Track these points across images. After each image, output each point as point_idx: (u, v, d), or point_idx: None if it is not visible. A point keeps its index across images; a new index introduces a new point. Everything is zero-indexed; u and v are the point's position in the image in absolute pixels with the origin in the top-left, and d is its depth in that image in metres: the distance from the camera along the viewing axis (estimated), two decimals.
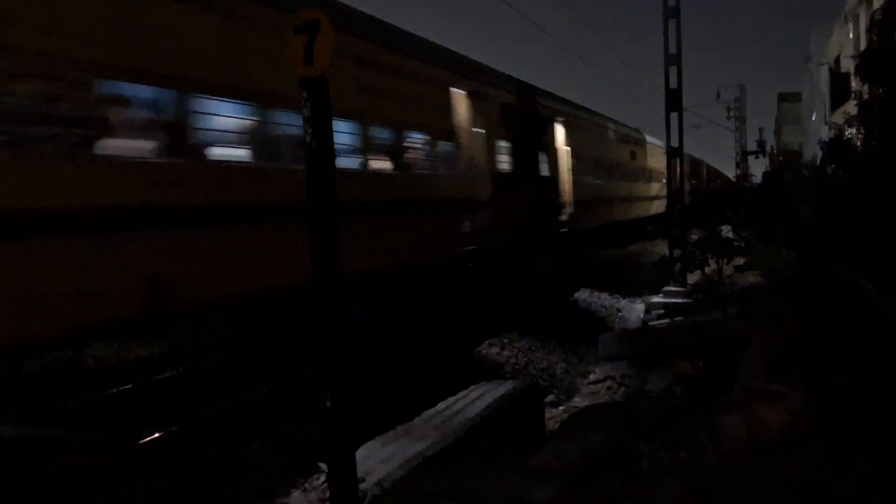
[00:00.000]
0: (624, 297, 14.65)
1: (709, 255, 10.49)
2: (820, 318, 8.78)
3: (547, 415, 7.64)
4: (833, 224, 15.79)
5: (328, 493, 4.49)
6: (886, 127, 13.76)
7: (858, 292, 9.30)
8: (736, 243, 16.91)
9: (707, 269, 11.13)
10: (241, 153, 8.13)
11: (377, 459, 5.24)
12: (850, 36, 27.48)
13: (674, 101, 16.61)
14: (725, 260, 10.69)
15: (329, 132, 4.05)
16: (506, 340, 10.51)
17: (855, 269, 10.45)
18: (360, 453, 4.92)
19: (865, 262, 10.79)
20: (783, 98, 71.94)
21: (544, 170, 17.31)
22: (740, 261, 14.09)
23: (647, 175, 31.07)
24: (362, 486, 4.52)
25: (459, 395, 6.81)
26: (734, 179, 67.08)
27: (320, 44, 3.92)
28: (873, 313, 8.08)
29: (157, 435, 6.42)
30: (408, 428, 5.91)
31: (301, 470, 5.78)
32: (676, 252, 15.41)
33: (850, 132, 17.57)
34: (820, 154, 23.36)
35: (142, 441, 6.32)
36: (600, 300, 14.50)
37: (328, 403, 3.98)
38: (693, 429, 5.53)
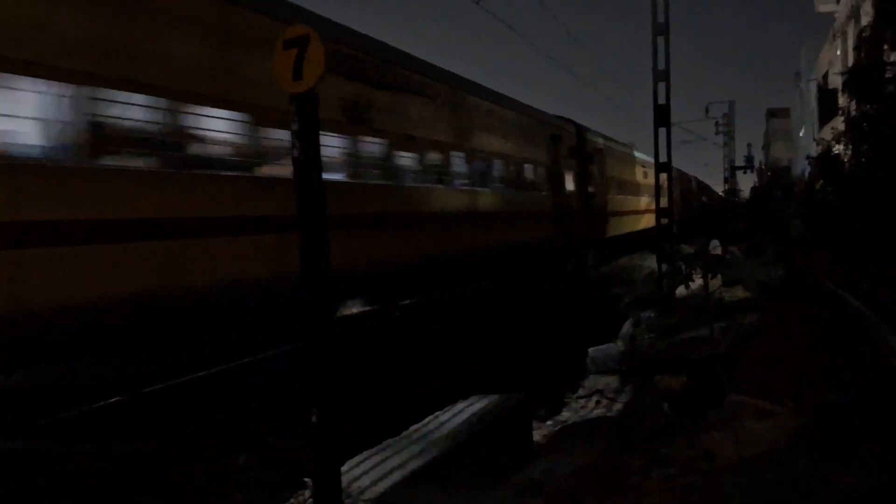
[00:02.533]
0: None
1: (695, 271, 10.49)
2: (808, 335, 8.82)
3: (535, 429, 7.61)
4: (822, 239, 15.88)
5: None
6: (874, 143, 13.89)
7: (846, 309, 9.34)
8: (727, 257, 16.96)
9: (692, 285, 11.13)
10: None
11: (363, 474, 5.20)
12: (839, 52, 27.76)
13: (662, 116, 16.69)
14: (711, 275, 10.70)
15: (317, 147, 4.04)
16: None
17: (843, 285, 10.50)
18: (346, 468, 4.89)
19: (854, 276, 10.84)
20: (772, 114, 72.59)
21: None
22: (728, 276, 14.10)
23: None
24: (347, 501, 4.48)
25: (447, 408, 6.78)
26: (722, 194, 67.43)
27: (310, 59, 3.91)
28: (861, 330, 8.12)
29: (144, 448, 6.37)
30: (394, 442, 5.87)
31: (287, 485, 5.74)
32: (664, 267, 15.45)
33: (839, 148, 17.72)
34: (808, 169, 23.51)
35: (129, 454, 6.26)
36: None
37: (314, 419, 3.96)
38: (681, 444, 5.51)
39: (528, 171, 18.01)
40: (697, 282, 11.75)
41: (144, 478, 6.03)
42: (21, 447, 6.09)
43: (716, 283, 13.59)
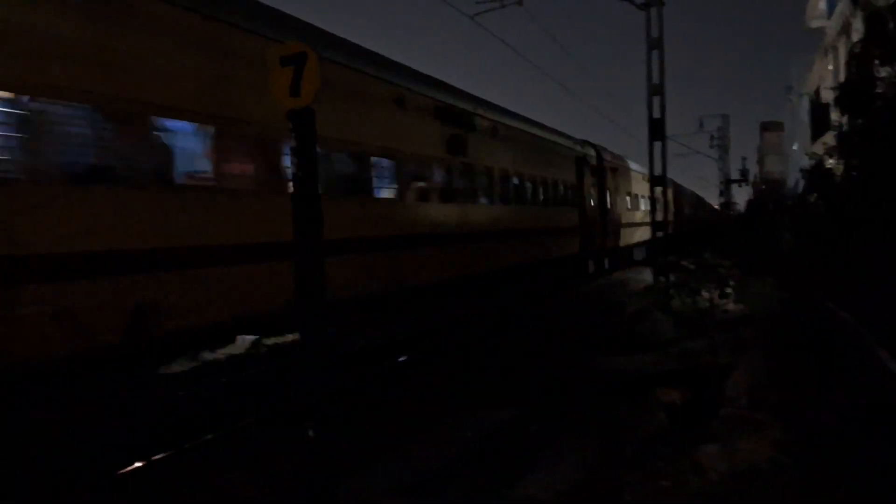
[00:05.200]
0: None
1: (691, 285, 10.55)
2: (801, 349, 8.86)
3: (533, 442, 7.61)
4: (815, 253, 15.94)
5: None
6: (866, 157, 13.98)
7: (838, 323, 9.39)
8: (721, 271, 16.97)
9: (689, 298, 11.17)
10: None
11: (360, 489, 5.22)
12: (830, 67, 27.97)
13: (657, 130, 16.80)
14: (707, 289, 10.75)
15: (314, 162, 4.09)
16: None
17: (834, 299, 10.55)
18: (343, 483, 4.90)
19: (845, 290, 10.90)
20: (765, 127, 72.95)
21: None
22: (723, 289, 14.15)
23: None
24: None
25: (443, 422, 6.80)
26: (718, 207, 67.63)
27: (307, 76, 3.97)
28: (851, 344, 8.17)
29: (137, 465, 6.35)
30: (391, 457, 5.89)
31: (283, 501, 5.73)
32: (661, 279, 15.52)
33: (831, 162, 17.82)
34: (802, 183, 23.61)
35: (121, 472, 6.24)
36: None
37: (310, 433, 3.97)
38: (675, 458, 5.54)
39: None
40: (704, 296, 11.81)
41: (137, 496, 6.01)
42: (18, 460, 6.07)
43: (712, 296, 13.64)
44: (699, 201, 66.54)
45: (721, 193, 63.36)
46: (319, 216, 4.15)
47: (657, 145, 16.93)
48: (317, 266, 4.12)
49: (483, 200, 14.11)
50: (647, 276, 20.46)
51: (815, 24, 38.67)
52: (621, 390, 8.24)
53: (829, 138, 19.38)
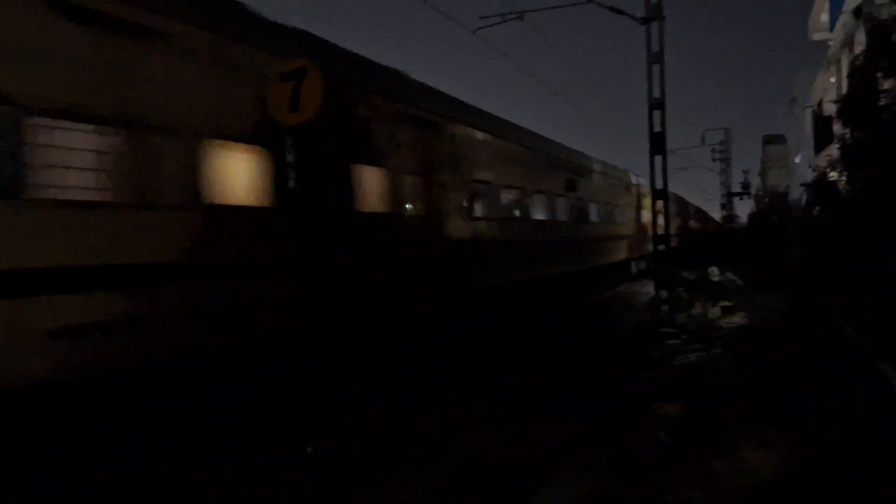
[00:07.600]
0: None
1: (695, 298, 10.51)
2: (806, 363, 8.80)
3: (535, 457, 7.54)
4: (819, 265, 15.88)
5: None
6: (869, 170, 13.96)
7: (842, 337, 9.34)
8: (726, 285, 16.97)
9: (693, 311, 11.12)
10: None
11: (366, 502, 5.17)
12: (833, 80, 27.98)
13: (658, 144, 16.75)
14: (711, 303, 10.70)
15: (314, 177, 4.07)
16: None
17: (840, 312, 10.50)
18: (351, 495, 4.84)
19: (851, 303, 10.84)
20: (769, 140, 72.97)
21: None
22: (727, 302, 14.11)
23: None
24: None
25: (448, 435, 6.75)
26: (720, 220, 67.59)
27: (307, 91, 3.95)
28: (857, 358, 8.12)
29: (142, 480, 6.30)
30: (393, 473, 5.84)
31: None
32: (663, 293, 15.45)
33: (834, 175, 17.79)
34: (805, 195, 23.59)
35: (128, 487, 6.19)
36: None
37: (308, 450, 3.93)
38: (680, 474, 5.49)
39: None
40: (697, 309, 11.76)
41: None
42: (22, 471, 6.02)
43: (716, 309, 13.61)
44: (704, 215, 66.55)
45: (723, 206, 63.37)
46: (320, 229, 4.13)
47: (658, 159, 16.86)
48: (321, 281, 4.10)
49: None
50: (651, 289, 20.41)
51: (817, 36, 38.73)
52: (624, 405, 8.18)
53: (833, 151, 19.38)
